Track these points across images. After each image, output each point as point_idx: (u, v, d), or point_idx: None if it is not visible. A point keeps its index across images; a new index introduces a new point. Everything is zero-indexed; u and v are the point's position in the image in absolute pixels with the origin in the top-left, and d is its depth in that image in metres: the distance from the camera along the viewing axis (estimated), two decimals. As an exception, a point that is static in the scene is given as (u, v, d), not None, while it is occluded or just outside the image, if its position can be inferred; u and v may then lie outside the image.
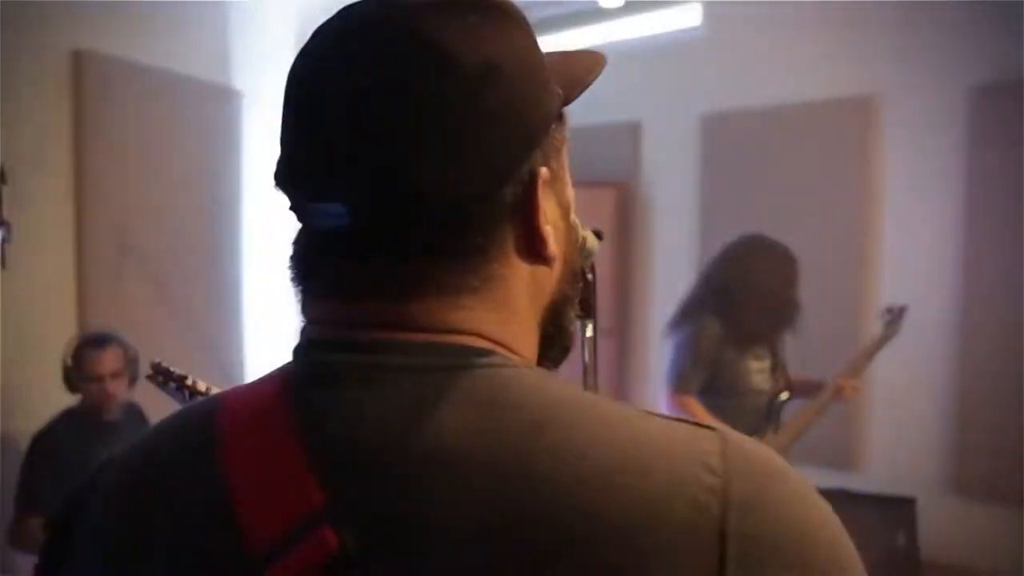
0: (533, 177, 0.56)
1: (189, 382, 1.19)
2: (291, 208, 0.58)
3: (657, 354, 4.98)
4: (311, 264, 0.57)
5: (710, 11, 4.71)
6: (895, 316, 2.98)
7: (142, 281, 3.64)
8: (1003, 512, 3.68)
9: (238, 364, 4.09)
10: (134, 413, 2.87)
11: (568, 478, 0.44)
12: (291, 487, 0.47)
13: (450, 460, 0.46)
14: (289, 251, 0.59)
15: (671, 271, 4.88)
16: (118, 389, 2.74)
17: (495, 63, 0.53)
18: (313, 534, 0.44)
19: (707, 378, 2.73)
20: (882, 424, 4.04)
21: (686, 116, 4.74)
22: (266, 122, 4.13)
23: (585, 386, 1.32)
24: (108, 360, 2.72)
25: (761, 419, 2.76)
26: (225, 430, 0.52)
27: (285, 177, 0.57)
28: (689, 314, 2.81)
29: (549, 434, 0.47)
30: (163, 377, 1.20)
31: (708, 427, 0.50)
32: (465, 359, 0.52)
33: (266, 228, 4.21)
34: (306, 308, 0.57)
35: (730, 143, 4.58)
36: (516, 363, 0.54)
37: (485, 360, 0.52)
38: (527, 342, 0.59)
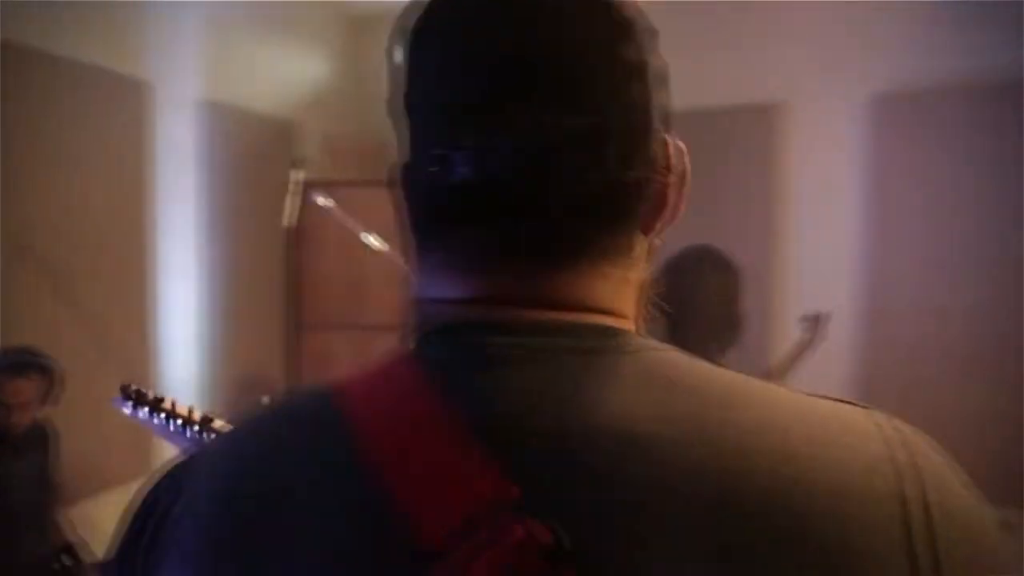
0: (667, 140, 0.56)
1: (167, 405, 1.13)
2: (423, 163, 0.53)
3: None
4: (445, 229, 0.53)
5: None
6: (815, 322, 3.09)
7: (43, 283, 3.44)
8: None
9: (146, 369, 3.92)
10: (40, 428, 2.73)
11: (778, 453, 0.44)
12: (467, 478, 0.44)
13: (646, 442, 0.44)
14: (416, 215, 0.55)
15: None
16: (26, 417, 2.62)
17: (650, 25, 0.54)
18: (505, 524, 0.42)
19: None
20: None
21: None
22: (178, 116, 3.96)
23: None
24: (25, 390, 2.60)
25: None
26: (365, 422, 0.48)
27: (429, 119, 0.53)
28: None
29: (744, 412, 0.46)
30: (134, 402, 1.14)
31: (858, 403, 0.51)
32: (617, 340, 0.50)
33: (178, 228, 4.05)
34: (434, 283, 0.53)
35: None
36: (662, 344, 0.53)
37: (637, 342, 0.51)
38: (637, 317, 0.57)
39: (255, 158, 4.55)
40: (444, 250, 0.53)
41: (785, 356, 3.09)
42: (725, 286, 2.84)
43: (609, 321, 0.51)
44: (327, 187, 3.43)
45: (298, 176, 3.01)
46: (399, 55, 0.57)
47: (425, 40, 0.54)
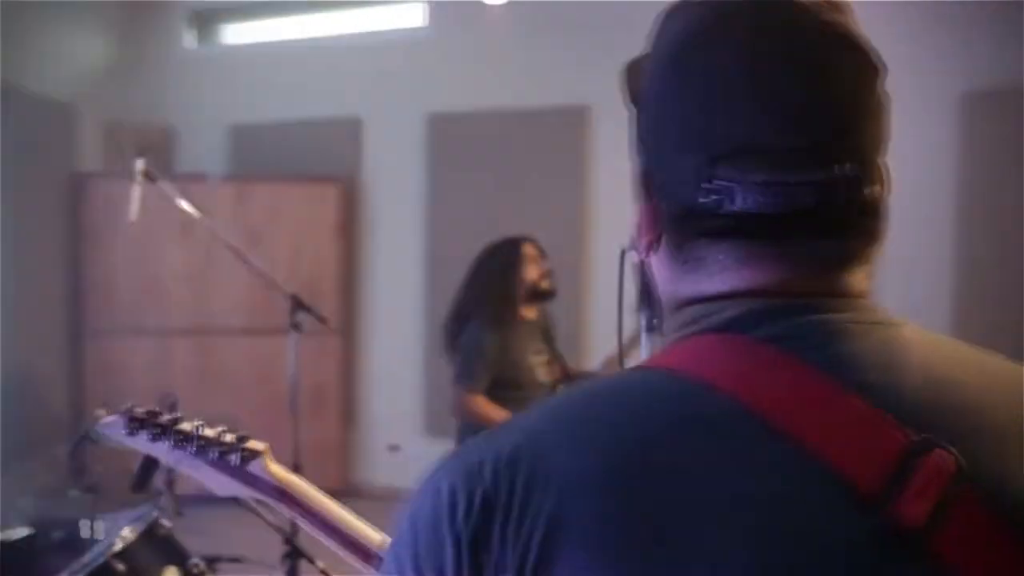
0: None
1: (188, 427, 1.01)
2: (721, 183, 0.58)
3: (382, 349, 4.99)
4: (740, 242, 0.59)
5: (434, 12, 4.79)
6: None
7: None
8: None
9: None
10: None
11: None
12: (876, 429, 0.52)
13: (974, 384, 0.58)
14: (693, 226, 0.60)
15: (396, 267, 4.91)
16: None
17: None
18: (926, 461, 0.50)
19: (494, 375, 2.83)
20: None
21: (410, 114, 4.79)
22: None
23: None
24: None
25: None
26: (756, 395, 0.54)
27: (754, 152, 0.57)
28: (463, 317, 2.90)
29: (993, 362, 0.61)
30: (140, 424, 1.01)
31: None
32: (891, 316, 0.61)
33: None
34: (724, 280, 0.60)
35: (456, 143, 4.72)
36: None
37: (897, 317, 0.61)
38: None
39: (33, 144, 4.06)
40: (743, 254, 0.60)
41: (626, 342, 3.26)
42: (526, 264, 3.01)
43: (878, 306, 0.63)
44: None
45: (141, 166, 2.73)
46: (665, 84, 0.62)
47: (709, 75, 0.59)
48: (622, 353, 1.38)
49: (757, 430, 0.53)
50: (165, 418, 1.02)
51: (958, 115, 4.06)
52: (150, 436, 1.02)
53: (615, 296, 3.35)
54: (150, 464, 2.33)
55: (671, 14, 0.65)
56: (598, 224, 4.52)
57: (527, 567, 0.52)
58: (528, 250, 3.02)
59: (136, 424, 1.02)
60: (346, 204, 4.83)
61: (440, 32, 4.76)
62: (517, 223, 4.49)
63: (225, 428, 1.01)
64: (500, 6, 4.53)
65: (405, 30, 4.86)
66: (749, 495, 0.51)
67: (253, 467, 1.02)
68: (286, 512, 1.03)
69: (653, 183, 0.63)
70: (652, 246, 0.65)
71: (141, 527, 2.32)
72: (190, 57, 5.10)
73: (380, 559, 0.99)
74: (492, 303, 2.90)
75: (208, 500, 3.08)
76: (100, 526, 2.57)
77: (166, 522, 2.39)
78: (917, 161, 4.08)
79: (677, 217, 0.61)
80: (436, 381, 4.88)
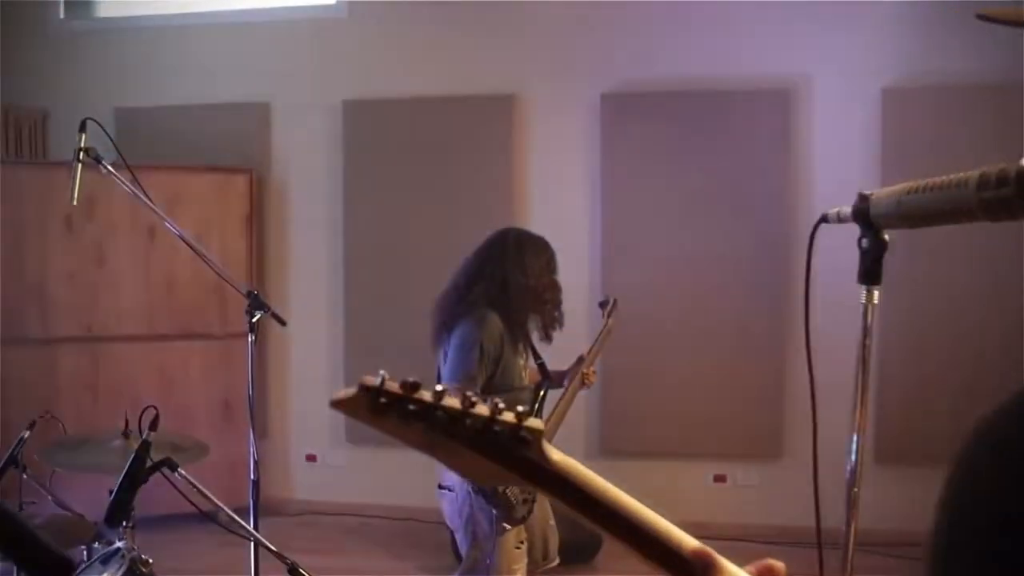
0: None
1: (456, 403, 0.77)
2: None
3: (297, 351, 4.61)
4: None
5: (346, -7, 4.51)
6: (612, 307, 3.19)
7: None
8: (646, 464, 4.24)
9: None
10: None
11: None
12: None
13: None
14: None
15: (311, 263, 4.58)
16: None
17: None
18: None
19: (493, 374, 2.63)
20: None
21: (323, 100, 4.48)
22: None
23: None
24: None
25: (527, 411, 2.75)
26: None
27: None
28: (465, 311, 2.66)
29: None
30: (392, 400, 0.76)
31: None
32: None
33: None
34: None
35: (374, 131, 4.44)
36: None
37: None
38: None
39: None
40: None
41: (596, 341, 3.12)
42: (549, 265, 2.82)
43: None
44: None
45: (83, 143, 2.32)
46: None
47: None
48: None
49: None
50: (426, 393, 0.78)
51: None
52: (401, 415, 0.78)
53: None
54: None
55: None
56: (528, 217, 4.36)
57: None
58: None
59: (387, 400, 0.77)
60: (255, 194, 4.44)
61: (352, 14, 4.48)
62: (441, 216, 4.30)
63: (499, 402, 0.78)
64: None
65: (313, 8, 4.53)
66: None
67: (530, 452, 0.80)
68: (568, 509, 0.82)
69: None
70: None
71: (120, 570, 1.96)
72: (64, 31, 4.55)
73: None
74: (536, 305, 2.71)
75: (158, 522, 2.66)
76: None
77: (147, 559, 2.05)
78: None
79: None
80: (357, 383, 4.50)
